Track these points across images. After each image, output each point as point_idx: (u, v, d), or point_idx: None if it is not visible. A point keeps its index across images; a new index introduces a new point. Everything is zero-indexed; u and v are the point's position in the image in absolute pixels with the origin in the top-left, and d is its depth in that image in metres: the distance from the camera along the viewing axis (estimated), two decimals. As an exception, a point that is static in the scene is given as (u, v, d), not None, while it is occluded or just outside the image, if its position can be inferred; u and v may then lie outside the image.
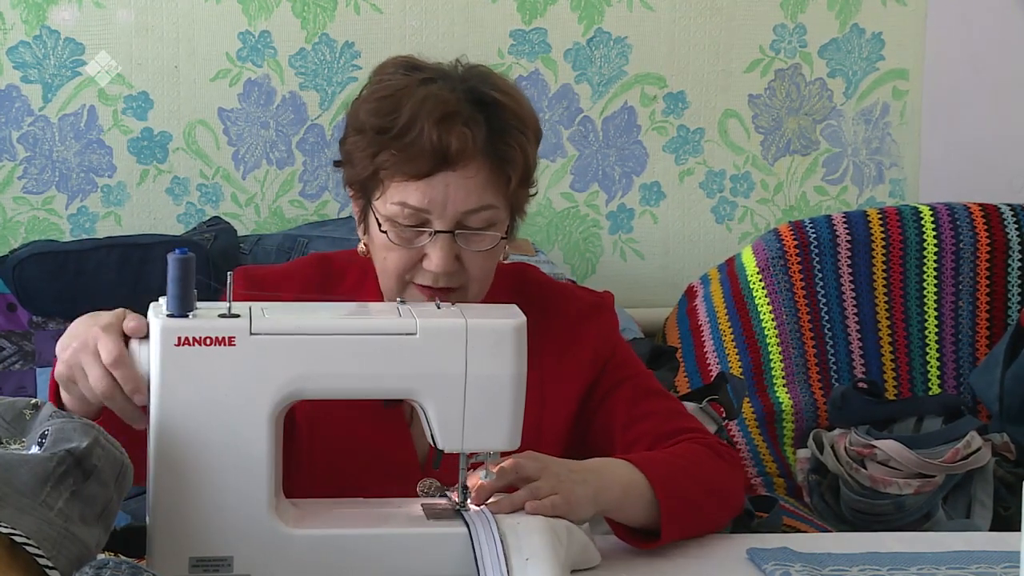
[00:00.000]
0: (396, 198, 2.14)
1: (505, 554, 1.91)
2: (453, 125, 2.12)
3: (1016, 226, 3.61)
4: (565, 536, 1.99)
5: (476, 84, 2.18)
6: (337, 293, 2.26)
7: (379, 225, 2.16)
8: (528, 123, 2.21)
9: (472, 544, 1.93)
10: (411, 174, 2.12)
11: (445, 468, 2.05)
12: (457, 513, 2.01)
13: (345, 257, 2.33)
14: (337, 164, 2.26)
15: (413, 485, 2.14)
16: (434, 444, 2.00)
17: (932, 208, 3.64)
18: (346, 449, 2.23)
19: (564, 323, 2.28)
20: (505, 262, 2.26)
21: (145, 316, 1.96)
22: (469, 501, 2.01)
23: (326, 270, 2.30)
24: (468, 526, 1.95)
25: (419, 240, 2.14)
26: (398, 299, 2.09)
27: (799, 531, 3.08)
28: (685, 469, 2.19)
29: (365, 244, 2.24)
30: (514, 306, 2.03)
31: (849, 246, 3.58)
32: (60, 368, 1.97)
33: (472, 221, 2.15)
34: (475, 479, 2.02)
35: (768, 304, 3.55)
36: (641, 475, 2.13)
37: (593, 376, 2.30)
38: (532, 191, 2.25)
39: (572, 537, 2.02)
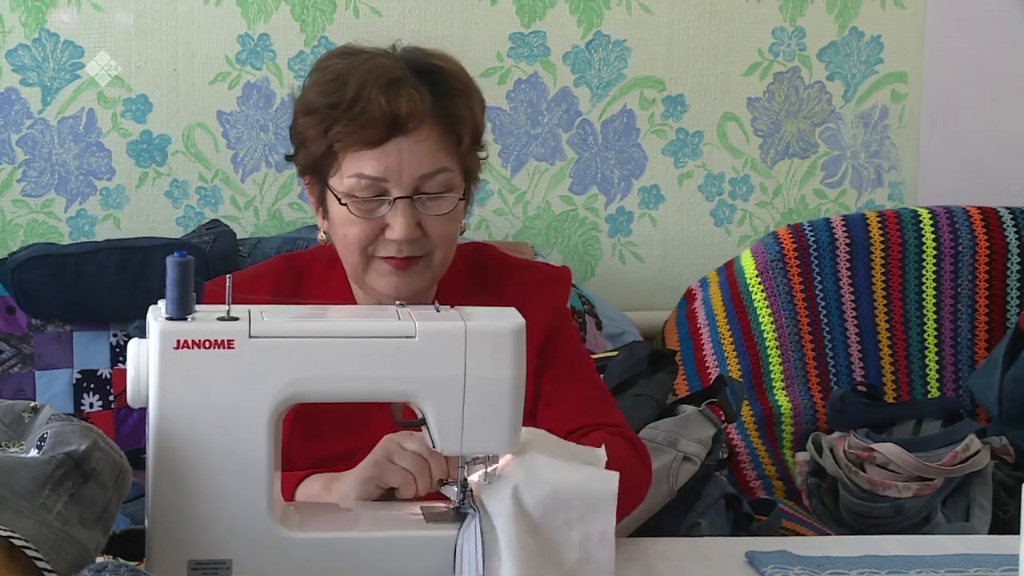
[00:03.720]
0: (352, 170, 2.18)
1: (483, 555, 1.91)
2: (400, 89, 2.17)
3: (1015, 229, 3.61)
4: (560, 527, 1.98)
5: (416, 57, 2.24)
6: (305, 287, 2.30)
7: (339, 201, 2.19)
8: (471, 87, 2.26)
9: (455, 545, 1.93)
10: (364, 142, 2.17)
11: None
12: (455, 514, 2.01)
13: (310, 254, 2.38)
14: (289, 158, 2.30)
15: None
16: (432, 446, 2.00)
17: (931, 211, 3.64)
18: (328, 448, 2.25)
19: (521, 294, 2.31)
20: (463, 234, 2.30)
21: (144, 319, 1.96)
22: (467, 500, 2.02)
23: (292, 267, 2.35)
24: (460, 530, 1.96)
25: (379, 211, 2.19)
26: (397, 302, 2.09)
27: (798, 534, 3.09)
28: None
29: (325, 231, 2.28)
30: (512, 309, 2.03)
31: (848, 249, 3.58)
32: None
33: (429, 185, 2.19)
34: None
35: (767, 307, 3.55)
36: None
37: (542, 339, 2.33)
38: (483, 155, 2.29)
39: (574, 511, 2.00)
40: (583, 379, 2.37)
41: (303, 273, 2.33)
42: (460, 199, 2.22)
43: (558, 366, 2.35)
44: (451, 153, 2.20)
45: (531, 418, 2.30)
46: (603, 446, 2.08)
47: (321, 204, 2.26)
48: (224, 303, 1.94)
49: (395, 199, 2.17)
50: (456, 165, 2.21)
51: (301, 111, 2.25)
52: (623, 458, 2.25)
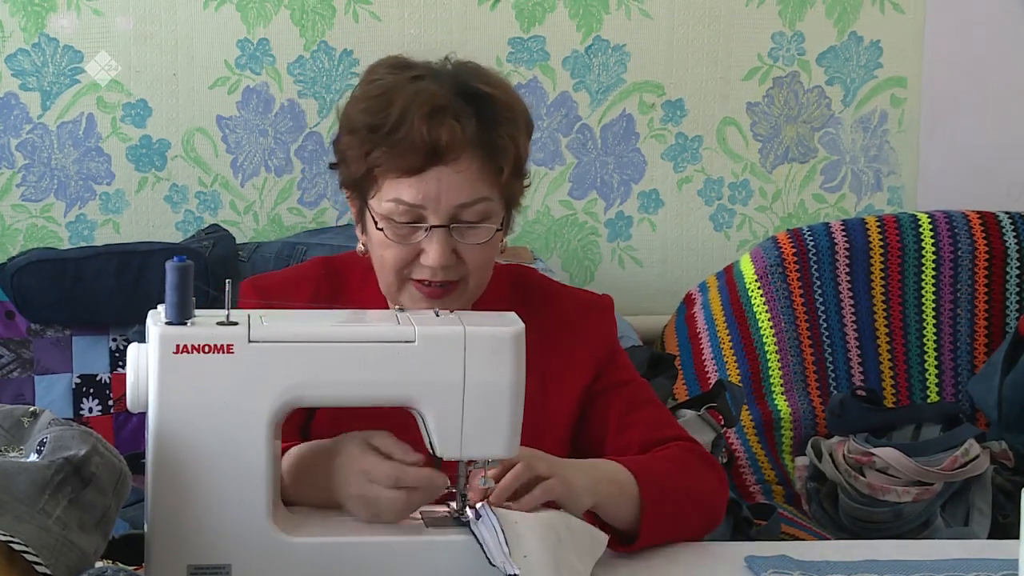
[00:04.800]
0: (390, 195, 2.17)
1: (507, 543, 1.91)
2: (443, 119, 2.15)
3: (1014, 234, 3.61)
4: (566, 534, 2.00)
5: (465, 79, 2.21)
6: (343, 293, 2.28)
7: (375, 223, 2.18)
8: (518, 114, 2.23)
9: (475, 534, 1.93)
10: (403, 170, 2.15)
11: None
12: (455, 520, 2.01)
13: (347, 258, 2.36)
14: (333, 166, 2.28)
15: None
16: (432, 452, 2.00)
17: (930, 216, 3.64)
18: None
19: (564, 323, 2.30)
20: (503, 253, 2.28)
21: (144, 323, 1.96)
22: (468, 508, 2.02)
23: (331, 272, 2.34)
24: (471, 521, 1.96)
25: (415, 236, 2.17)
26: (396, 307, 2.10)
27: (797, 539, 3.08)
28: (671, 474, 2.23)
29: (364, 244, 2.27)
30: (512, 314, 2.03)
31: (847, 254, 3.58)
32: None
33: (467, 214, 2.17)
34: (475, 483, 2.03)
35: (766, 312, 3.55)
36: (630, 475, 2.17)
37: (592, 375, 2.33)
38: (526, 183, 2.27)
39: (574, 533, 2.02)
40: (648, 401, 2.38)
41: (342, 278, 2.32)
42: (497, 229, 2.20)
43: (625, 396, 2.34)
44: (491, 183, 2.18)
45: (564, 444, 2.31)
46: (607, 538, 2.10)
47: (360, 219, 2.25)
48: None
49: (431, 227, 2.16)
50: (496, 194, 2.19)
51: (345, 127, 2.23)
52: (694, 472, 2.28)
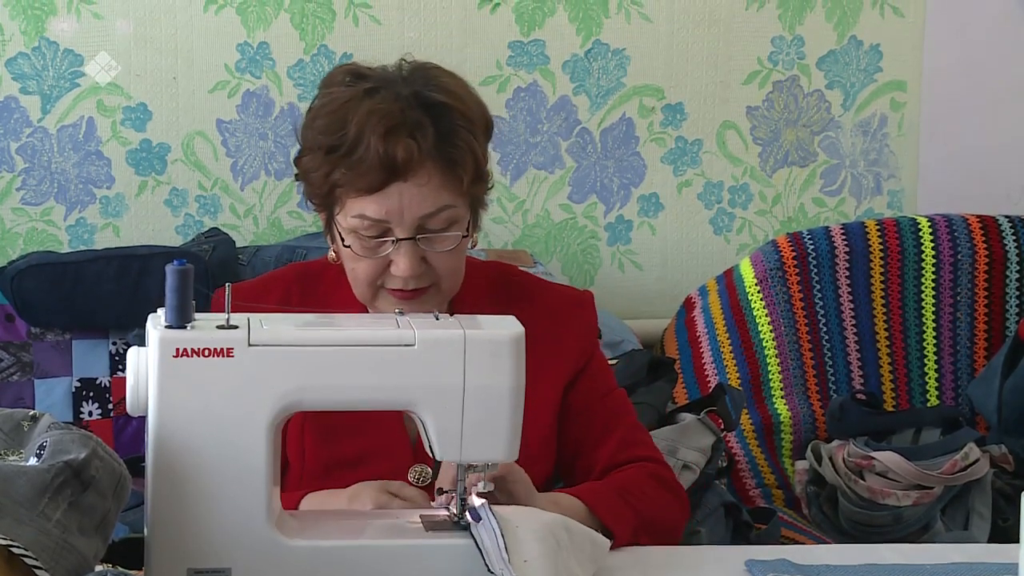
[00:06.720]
0: (355, 211, 2.19)
1: (507, 549, 1.91)
2: (398, 137, 2.16)
3: (1014, 237, 3.61)
4: (567, 539, 1.99)
5: (420, 88, 2.21)
6: (315, 298, 2.31)
7: (342, 240, 2.20)
8: (475, 120, 2.24)
9: (473, 536, 1.93)
10: (364, 189, 2.17)
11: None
12: (455, 524, 2.01)
13: (321, 263, 2.38)
14: (298, 177, 2.29)
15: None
16: (432, 455, 2.00)
17: (930, 220, 3.64)
18: (342, 448, 2.26)
19: (545, 318, 2.32)
20: (474, 250, 2.30)
21: (143, 327, 1.97)
22: (467, 511, 2.02)
23: (305, 275, 2.36)
24: (471, 524, 1.96)
25: (383, 249, 2.20)
26: (396, 310, 2.10)
27: (797, 543, 3.08)
28: (619, 493, 2.25)
29: (335, 251, 2.29)
30: (511, 317, 2.04)
31: (847, 258, 3.58)
32: None
33: (432, 223, 2.20)
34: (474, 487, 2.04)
35: (766, 315, 3.55)
36: (572, 498, 2.21)
37: (574, 369, 2.35)
38: (489, 185, 2.28)
39: (574, 538, 2.02)
40: (622, 416, 2.39)
41: (315, 281, 2.34)
42: (463, 235, 2.22)
43: (602, 413, 2.36)
44: (453, 191, 2.19)
45: (547, 436, 2.32)
46: (608, 543, 2.11)
47: (329, 230, 2.27)
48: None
49: (397, 239, 2.18)
50: (460, 200, 2.21)
51: (304, 145, 2.25)
52: (650, 495, 2.29)
